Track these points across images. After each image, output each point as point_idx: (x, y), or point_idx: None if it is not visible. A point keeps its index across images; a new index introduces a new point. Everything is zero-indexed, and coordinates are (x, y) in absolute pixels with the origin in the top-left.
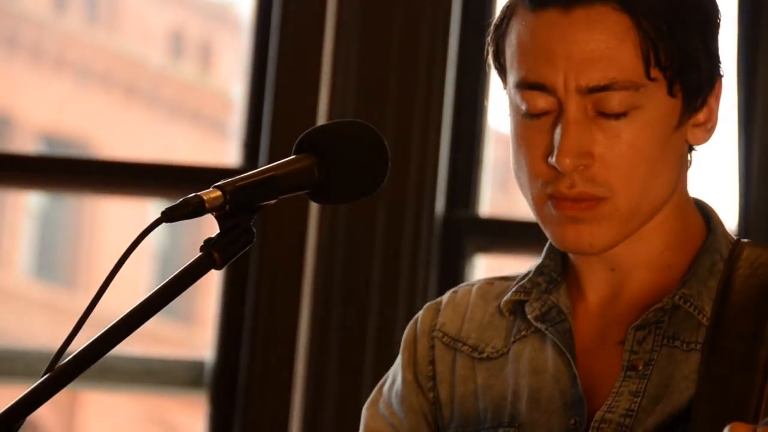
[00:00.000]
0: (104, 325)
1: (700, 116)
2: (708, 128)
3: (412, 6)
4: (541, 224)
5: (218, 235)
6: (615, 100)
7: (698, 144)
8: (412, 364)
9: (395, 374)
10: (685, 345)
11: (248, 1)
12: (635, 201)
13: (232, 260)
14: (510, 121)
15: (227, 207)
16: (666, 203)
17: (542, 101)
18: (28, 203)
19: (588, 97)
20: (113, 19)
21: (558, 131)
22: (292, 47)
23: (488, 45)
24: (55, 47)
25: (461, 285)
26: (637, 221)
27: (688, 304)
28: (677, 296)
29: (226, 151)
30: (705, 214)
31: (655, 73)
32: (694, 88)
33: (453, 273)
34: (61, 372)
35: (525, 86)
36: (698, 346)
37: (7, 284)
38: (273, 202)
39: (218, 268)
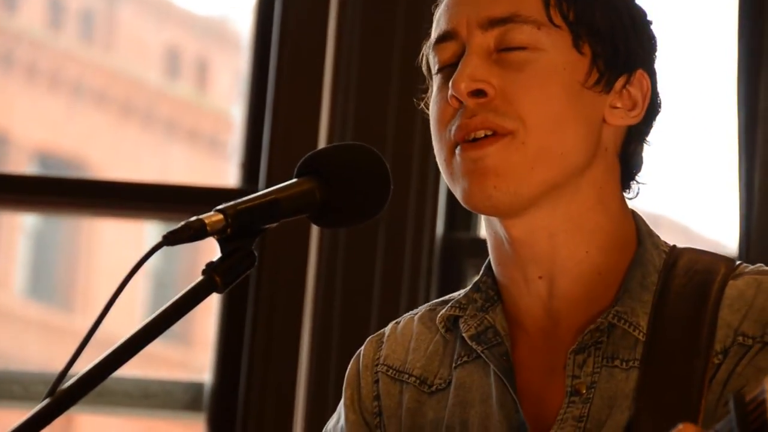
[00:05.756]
0: (101, 346)
1: (619, 101)
2: (632, 116)
3: (413, 26)
4: (451, 188)
5: (220, 258)
6: (516, 32)
7: (615, 124)
8: (356, 402)
9: (340, 412)
10: (624, 363)
11: (246, 18)
12: (544, 139)
13: (234, 284)
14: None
15: (229, 230)
16: (578, 173)
17: (449, 50)
18: (23, 223)
19: (490, 32)
20: (109, 38)
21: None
22: (291, 66)
23: (421, 55)
24: (50, 65)
25: (404, 315)
26: (545, 172)
27: (623, 321)
28: (611, 315)
29: (223, 171)
30: (637, 224)
31: (557, 19)
32: (607, 57)
33: None
34: (63, 396)
35: (437, 42)
36: (637, 363)
37: (2, 304)
38: (274, 225)
39: (220, 291)
